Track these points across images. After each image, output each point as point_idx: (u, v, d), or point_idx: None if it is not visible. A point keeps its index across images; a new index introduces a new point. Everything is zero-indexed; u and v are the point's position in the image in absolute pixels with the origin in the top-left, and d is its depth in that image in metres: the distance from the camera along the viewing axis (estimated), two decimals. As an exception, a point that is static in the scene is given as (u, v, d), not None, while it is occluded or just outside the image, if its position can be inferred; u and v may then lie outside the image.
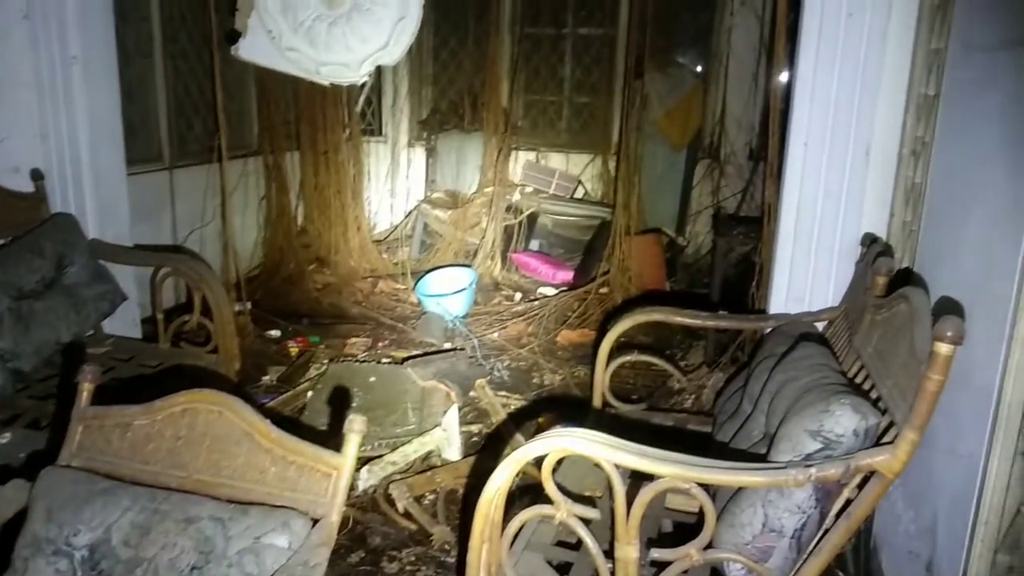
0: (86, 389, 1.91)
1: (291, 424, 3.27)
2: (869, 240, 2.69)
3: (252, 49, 3.41)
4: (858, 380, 2.01)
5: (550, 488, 1.72)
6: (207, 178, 4.99)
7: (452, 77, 6.93)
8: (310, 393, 3.64)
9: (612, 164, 6.14)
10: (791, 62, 3.02)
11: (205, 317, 3.26)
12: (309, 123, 5.85)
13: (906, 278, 2.41)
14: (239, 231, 5.33)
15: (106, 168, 3.61)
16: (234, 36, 3.47)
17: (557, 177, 6.49)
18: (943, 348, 1.47)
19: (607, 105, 6.46)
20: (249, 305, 4.78)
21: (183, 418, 1.83)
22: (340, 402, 3.43)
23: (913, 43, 2.64)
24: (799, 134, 2.90)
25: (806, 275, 2.98)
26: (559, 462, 1.86)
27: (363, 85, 6.14)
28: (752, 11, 5.81)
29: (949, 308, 1.95)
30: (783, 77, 3.38)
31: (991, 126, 1.95)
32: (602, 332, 3.40)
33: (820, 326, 2.78)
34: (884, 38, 2.71)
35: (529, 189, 6.41)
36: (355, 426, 1.69)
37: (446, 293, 5.15)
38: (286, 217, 5.81)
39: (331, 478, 1.66)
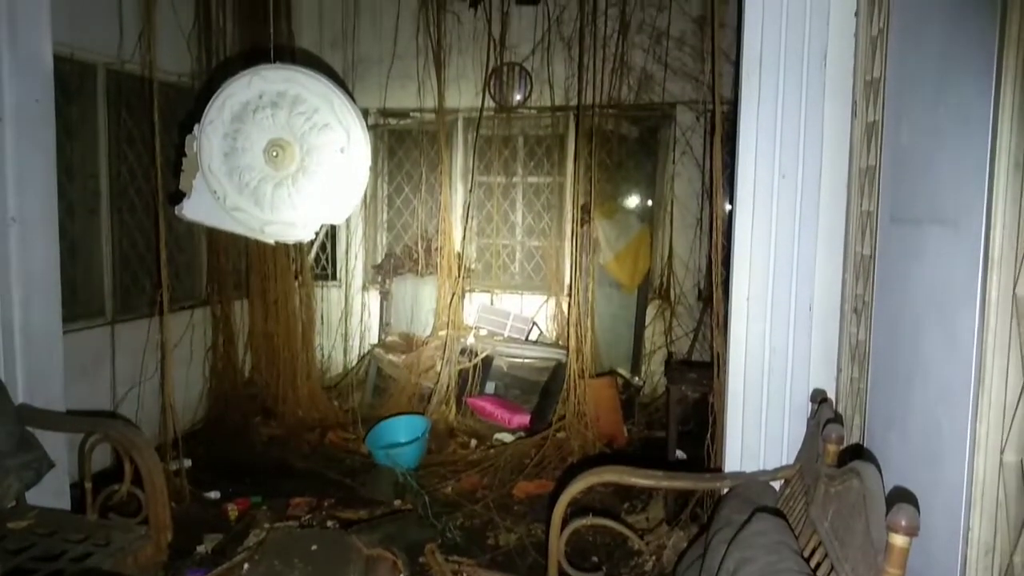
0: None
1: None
2: (819, 397, 2.66)
3: (196, 209, 3.39)
4: (816, 558, 1.91)
5: None
6: (150, 332, 4.86)
7: (406, 223, 7.03)
8: (246, 566, 3.39)
9: (566, 305, 6.16)
10: (731, 207, 3.07)
11: (136, 485, 3.07)
12: (259, 272, 5.80)
13: (858, 449, 2.37)
14: (183, 384, 5.15)
15: (40, 331, 3.48)
16: (178, 196, 3.45)
17: (511, 319, 6.48)
18: (898, 540, 1.40)
19: (559, 248, 6.57)
20: (188, 463, 4.54)
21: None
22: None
23: (846, 204, 2.71)
24: (741, 288, 2.92)
25: (759, 430, 2.93)
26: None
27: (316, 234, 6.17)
28: (693, 160, 6.06)
29: (903, 493, 1.88)
30: (723, 229, 3.44)
31: (924, 294, 1.95)
32: (560, 485, 3.27)
33: (776, 484, 2.69)
34: (818, 198, 2.78)
35: (484, 331, 6.38)
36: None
37: (397, 443, 4.98)
38: (232, 368, 5.65)
39: None
